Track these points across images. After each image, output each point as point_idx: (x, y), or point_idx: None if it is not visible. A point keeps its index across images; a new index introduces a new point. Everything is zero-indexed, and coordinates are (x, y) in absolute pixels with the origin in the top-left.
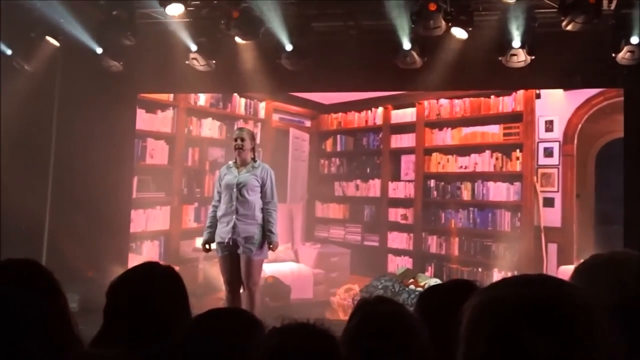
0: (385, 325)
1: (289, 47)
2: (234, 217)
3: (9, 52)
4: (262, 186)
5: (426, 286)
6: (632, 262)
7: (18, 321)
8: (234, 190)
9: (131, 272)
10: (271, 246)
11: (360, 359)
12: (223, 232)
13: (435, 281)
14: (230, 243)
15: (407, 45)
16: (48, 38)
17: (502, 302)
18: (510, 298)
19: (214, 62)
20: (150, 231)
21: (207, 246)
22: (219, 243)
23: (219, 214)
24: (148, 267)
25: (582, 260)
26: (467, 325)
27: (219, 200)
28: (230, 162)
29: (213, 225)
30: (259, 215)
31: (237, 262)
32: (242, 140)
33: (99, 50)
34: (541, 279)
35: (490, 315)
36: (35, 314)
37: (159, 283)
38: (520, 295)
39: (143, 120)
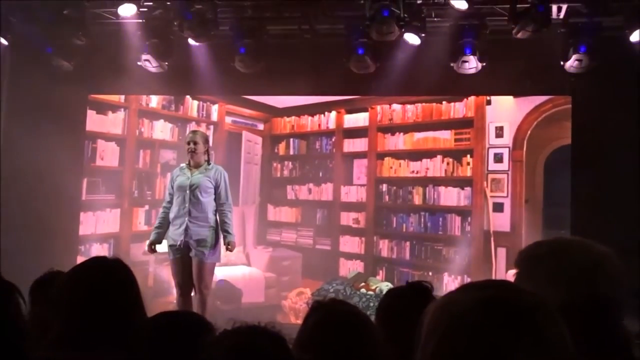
0: (341, 326)
1: (242, 50)
2: (186, 219)
3: None
4: (216, 188)
5: (377, 290)
6: (575, 253)
7: None
8: (187, 191)
9: (80, 268)
10: (229, 247)
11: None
12: (175, 234)
13: (386, 285)
14: (182, 246)
15: (360, 50)
16: None
17: (455, 305)
18: (462, 302)
19: (166, 63)
20: (100, 234)
21: (153, 247)
22: (170, 246)
23: (171, 215)
24: (97, 262)
25: (524, 247)
26: (425, 328)
27: (170, 202)
28: (183, 164)
29: (162, 226)
30: (211, 217)
31: (188, 265)
32: (195, 143)
33: (49, 50)
34: (495, 284)
35: (445, 317)
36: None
37: (110, 277)
38: (471, 298)
39: (93, 121)
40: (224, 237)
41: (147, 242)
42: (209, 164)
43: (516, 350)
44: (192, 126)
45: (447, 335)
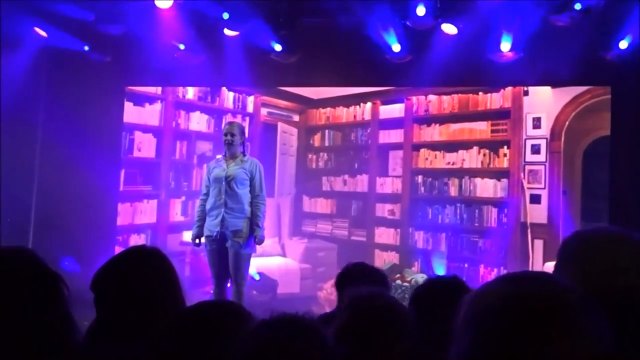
0: (379, 318)
1: (278, 45)
2: (222, 210)
3: None
4: (251, 180)
5: (413, 281)
6: (617, 245)
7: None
8: (223, 183)
9: (118, 258)
10: (256, 240)
11: (354, 352)
12: (211, 225)
13: (422, 276)
14: (219, 236)
15: (397, 40)
16: (36, 29)
17: (491, 297)
18: (498, 293)
19: (202, 55)
20: (137, 224)
21: (197, 240)
22: (207, 236)
23: (208, 207)
24: (135, 252)
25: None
26: (460, 319)
27: (207, 194)
28: (220, 156)
29: (202, 219)
30: (247, 208)
31: (225, 255)
32: (232, 135)
33: (86, 47)
34: (531, 276)
35: (480, 309)
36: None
37: (148, 267)
38: (507, 290)
39: (131, 113)
40: (254, 230)
41: (191, 235)
42: (244, 155)
43: (551, 343)
44: (228, 118)
45: (483, 327)
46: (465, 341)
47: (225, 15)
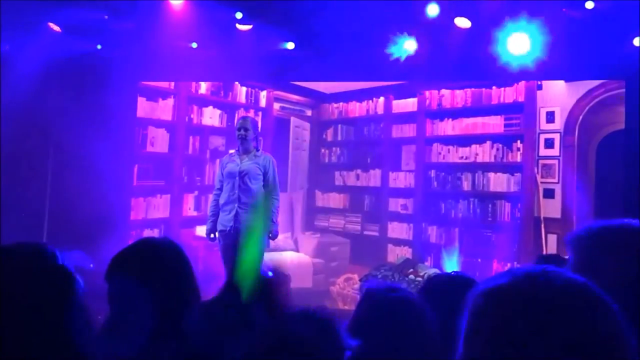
0: (396, 313)
1: (291, 43)
2: (236, 205)
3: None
4: (265, 175)
5: (425, 276)
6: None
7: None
8: (237, 178)
9: (129, 250)
10: (270, 235)
11: (372, 345)
12: (225, 220)
13: (434, 271)
14: (232, 231)
15: (409, 34)
16: (50, 24)
17: (503, 294)
18: (511, 290)
19: (215, 50)
20: (151, 219)
21: (211, 235)
22: (220, 231)
23: (221, 202)
24: (145, 244)
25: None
26: (468, 313)
27: (220, 189)
28: (233, 151)
29: (216, 214)
30: (260, 203)
31: (238, 250)
32: (246, 130)
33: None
34: (543, 272)
35: (491, 307)
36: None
37: (161, 259)
38: (519, 287)
39: (144, 108)
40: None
41: (206, 230)
42: (258, 150)
43: (557, 337)
44: (241, 112)
45: (489, 320)
46: (471, 335)
47: (239, 15)
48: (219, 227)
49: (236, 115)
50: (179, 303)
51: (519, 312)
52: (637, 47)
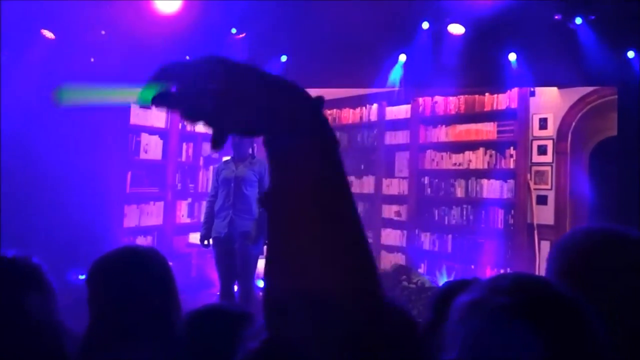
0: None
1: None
2: (231, 211)
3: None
4: (260, 181)
5: (419, 283)
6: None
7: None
8: (232, 185)
9: (107, 259)
10: (265, 242)
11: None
12: (220, 226)
13: (428, 278)
14: (226, 238)
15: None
16: (44, 31)
17: (490, 302)
18: (498, 298)
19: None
20: (144, 226)
21: (205, 242)
22: (215, 237)
23: (216, 208)
24: (127, 252)
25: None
26: (454, 323)
27: (215, 195)
28: (228, 157)
29: (210, 221)
30: (255, 210)
31: (232, 257)
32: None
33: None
34: (532, 280)
35: (477, 315)
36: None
37: (142, 267)
38: (509, 295)
39: (137, 115)
40: (264, 232)
41: (199, 237)
42: (253, 157)
43: (546, 349)
44: None
45: (482, 336)
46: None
47: (233, 30)
48: (214, 234)
49: None
50: (160, 309)
51: (502, 320)
52: (629, 53)
